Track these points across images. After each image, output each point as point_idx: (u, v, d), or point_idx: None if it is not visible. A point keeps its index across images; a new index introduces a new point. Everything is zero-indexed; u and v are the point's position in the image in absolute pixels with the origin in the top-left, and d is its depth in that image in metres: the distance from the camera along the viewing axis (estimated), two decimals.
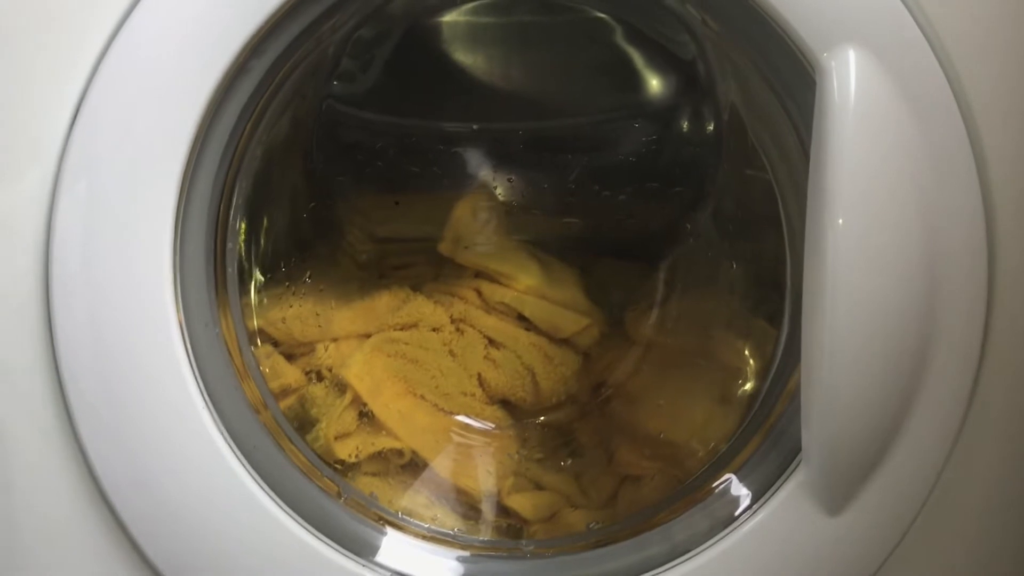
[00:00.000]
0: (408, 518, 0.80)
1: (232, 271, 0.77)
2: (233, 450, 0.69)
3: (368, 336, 0.95)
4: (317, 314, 0.93)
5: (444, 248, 1.01)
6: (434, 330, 0.97)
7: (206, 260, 0.72)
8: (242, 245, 0.81)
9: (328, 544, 0.70)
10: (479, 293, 0.99)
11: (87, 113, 0.65)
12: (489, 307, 0.99)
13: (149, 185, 0.65)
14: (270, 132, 0.81)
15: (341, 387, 0.90)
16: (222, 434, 0.68)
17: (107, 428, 0.67)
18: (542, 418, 0.99)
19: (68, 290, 0.66)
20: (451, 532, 0.81)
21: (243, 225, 0.79)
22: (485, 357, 0.97)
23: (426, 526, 0.80)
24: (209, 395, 0.69)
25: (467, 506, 0.88)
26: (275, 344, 0.89)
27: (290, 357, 0.90)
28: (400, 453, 0.90)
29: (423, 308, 0.97)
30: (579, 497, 0.90)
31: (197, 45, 0.64)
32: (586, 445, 0.97)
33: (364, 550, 0.73)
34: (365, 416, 0.90)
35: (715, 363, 0.93)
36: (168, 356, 0.67)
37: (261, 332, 0.87)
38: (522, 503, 0.88)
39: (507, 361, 0.97)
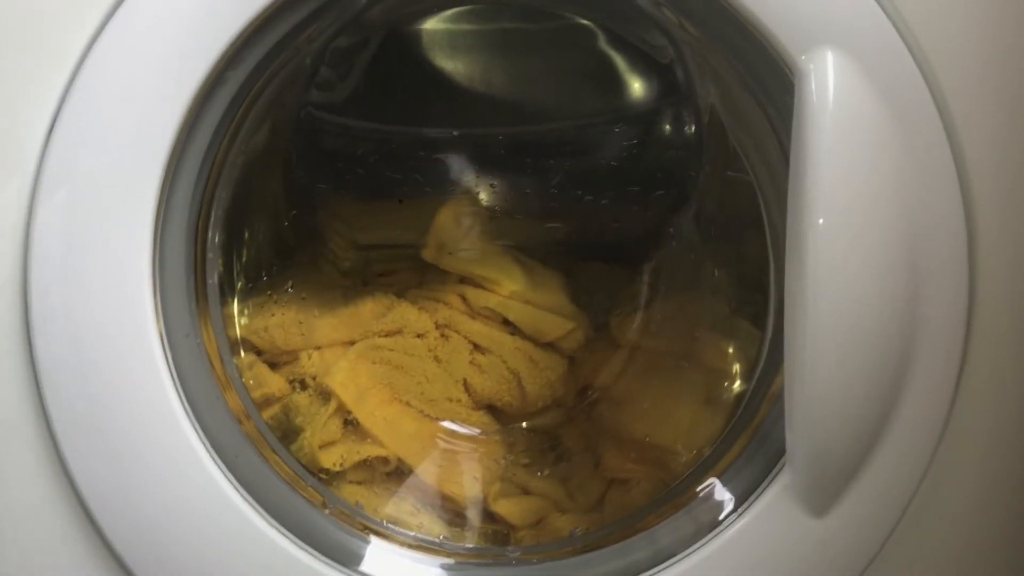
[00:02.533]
0: (393, 526, 0.80)
1: (213, 281, 0.77)
2: (215, 461, 0.68)
3: (352, 343, 0.95)
4: (300, 322, 0.92)
5: (427, 255, 1.01)
6: (419, 336, 0.97)
7: (186, 270, 0.72)
8: (222, 255, 0.80)
9: (312, 554, 0.70)
10: (463, 299, 0.99)
11: (65, 123, 0.65)
12: (474, 312, 0.99)
13: (128, 196, 0.65)
14: (249, 142, 0.81)
15: (325, 395, 0.90)
16: (204, 445, 0.68)
17: (88, 440, 0.67)
18: (528, 423, 0.99)
19: (47, 301, 0.65)
20: (436, 540, 0.80)
21: (223, 235, 0.79)
22: (470, 362, 0.97)
23: (411, 534, 0.80)
24: (191, 405, 0.68)
25: (453, 513, 0.88)
26: (258, 353, 0.89)
27: (273, 366, 0.90)
28: (386, 461, 0.90)
29: (407, 314, 0.97)
30: (566, 502, 0.90)
31: (174, 56, 0.64)
32: (572, 449, 0.97)
33: (349, 559, 0.73)
34: (350, 424, 0.90)
35: (700, 366, 0.93)
36: (149, 367, 0.66)
37: (244, 341, 0.86)
38: (509, 509, 0.88)
39: (492, 366, 0.97)
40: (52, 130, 0.65)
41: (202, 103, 0.66)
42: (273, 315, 0.91)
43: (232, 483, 0.68)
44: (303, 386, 0.90)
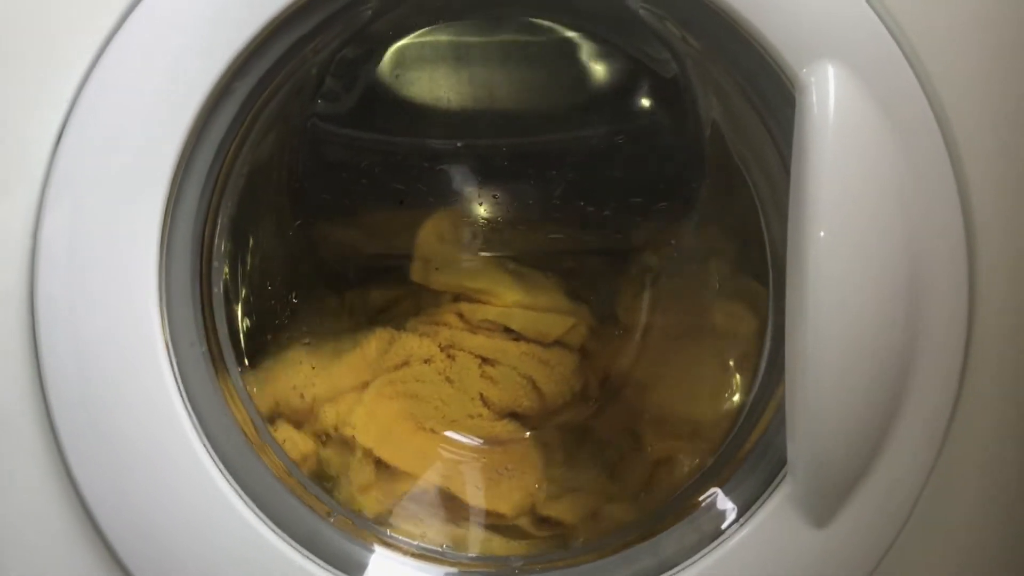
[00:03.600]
0: (397, 535, 0.80)
1: (218, 290, 0.77)
2: (220, 469, 0.68)
3: (366, 385, 0.94)
4: (312, 381, 0.91)
5: (415, 275, 1.00)
6: (426, 362, 0.96)
7: (192, 279, 0.72)
8: (228, 264, 0.80)
9: (316, 563, 0.70)
10: (461, 316, 0.99)
11: (72, 133, 0.65)
12: (474, 327, 0.99)
13: (135, 204, 0.66)
14: (255, 152, 0.81)
15: (350, 445, 0.89)
16: (208, 453, 0.68)
17: (92, 447, 0.67)
18: (558, 422, 0.98)
19: (53, 308, 0.66)
20: (439, 549, 0.80)
21: (229, 244, 0.79)
22: (482, 376, 0.97)
23: (415, 543, 0.80)
24: (195, 413, 0.68)
25: (456, 522, 0.88)
26: (284, 417, 0.88)
27: (298, 425, 0.89)
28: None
29: (409, 344, 0.96)
30: (615, 490, 0.90)
31: (181, 66, 0.65)
32: (609, 439, 0.97)
33: (352, 568, 0.73)
34: (382, 464, 0.89)
35: (713, 331, 0.93)
36: (154, 375, 0.67)
37: (268, 411, 0.85)
38: (560, 509, 0.88)
39: (504, 375, 0.97)
40: (60, 138, 0.65)
41: (209, 113, 0.67)
42: (281, 380, 0.89)
43: (236, 491, 0.69)
44: (327, 439, 0.89)
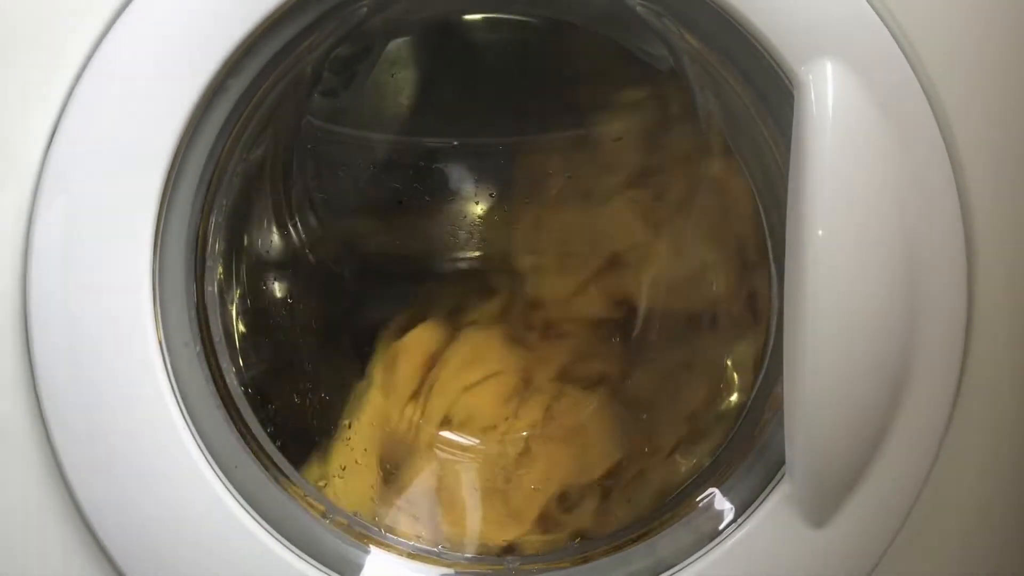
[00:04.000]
0: (392, 536, 0.80)
1: (212, 289, 0.77)
2: (214, 470, 0.68)
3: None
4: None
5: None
6: (441, 451, 0.95)
7: (186, 278, 0.72)
8: (222, 263, 0.80)
9: (311, 564, 0.70)
10: (414, 399, 0.96)
11: (65, 130, 0.65)
12: (424, 396, 0.96)
13: (128, 203, 0.65)
14: (250, 150, 0.81)
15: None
16: (203, 454, 0.68)
17: (86, 448, 0.67)
18: (574, 359, 0.97)
19: (47, 308, 0.65)
20: (435, 550, 0.80)
21: (223, 243, 0.79)
22: (474, 398, 0.96)
23: (410, 544, 0.80)
24: (189, 414, 0.68)
25: (452, 523, 0.88)
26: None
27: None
28: None
29: (418, 464, 0.93)
30: (730, 376, 0.88)
31: (175, 64, 0.64)
32: (676, 352, 0.95)
33: (348, 569, 0.73)
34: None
35: (704, 210, 0.93)
36: (148, 375, 0.67)
37: None
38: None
39: (480, 391, 0.96)
40: (53, 137, 0.65)
41: (203, 110, 0.66)
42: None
43: (231, 493, 0.69)
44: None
